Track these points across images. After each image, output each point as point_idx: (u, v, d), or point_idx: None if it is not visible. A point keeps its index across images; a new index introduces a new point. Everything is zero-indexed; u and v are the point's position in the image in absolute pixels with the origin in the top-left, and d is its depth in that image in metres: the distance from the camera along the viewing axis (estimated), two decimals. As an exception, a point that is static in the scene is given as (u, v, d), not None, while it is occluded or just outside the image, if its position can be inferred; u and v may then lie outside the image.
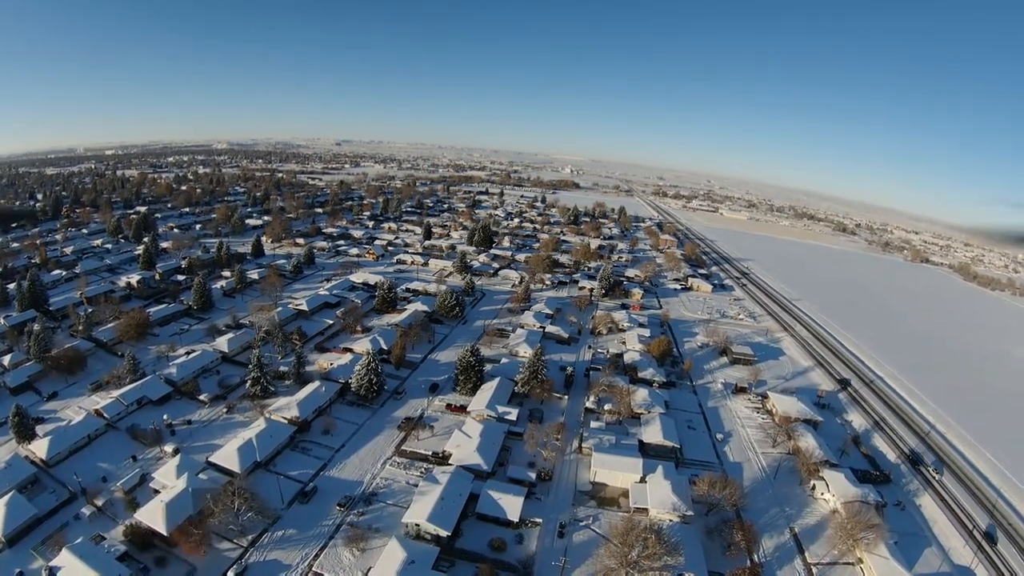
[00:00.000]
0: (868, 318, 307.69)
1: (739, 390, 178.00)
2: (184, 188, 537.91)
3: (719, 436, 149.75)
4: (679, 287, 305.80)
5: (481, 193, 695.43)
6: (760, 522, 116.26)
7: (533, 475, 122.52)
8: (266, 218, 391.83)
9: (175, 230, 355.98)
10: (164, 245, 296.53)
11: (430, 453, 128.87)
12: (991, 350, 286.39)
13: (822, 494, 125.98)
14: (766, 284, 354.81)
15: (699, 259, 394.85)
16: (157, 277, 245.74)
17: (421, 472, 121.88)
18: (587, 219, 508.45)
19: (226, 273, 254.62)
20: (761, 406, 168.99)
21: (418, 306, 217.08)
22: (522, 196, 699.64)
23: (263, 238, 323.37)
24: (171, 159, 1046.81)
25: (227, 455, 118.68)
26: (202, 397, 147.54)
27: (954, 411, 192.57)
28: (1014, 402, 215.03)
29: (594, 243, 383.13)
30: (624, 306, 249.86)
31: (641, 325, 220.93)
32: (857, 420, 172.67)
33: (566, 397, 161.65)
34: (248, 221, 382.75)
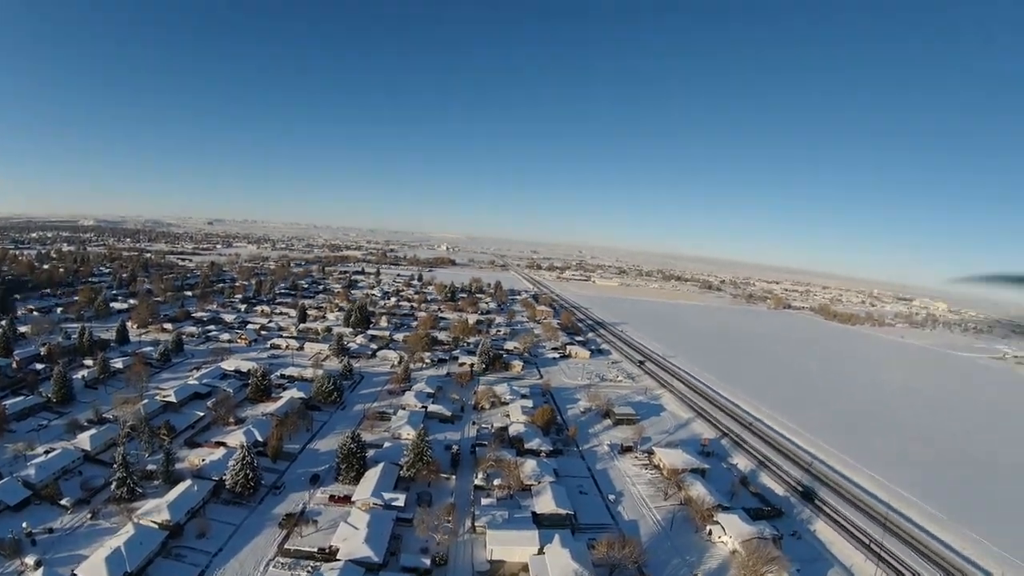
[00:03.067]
0: (740, 365, 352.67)
1: (625, 449, 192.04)
2: (46, 267, 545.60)
3: (611, 497, 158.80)
4: (558, 355, 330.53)
5: (357, 273, 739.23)
6: (664, 575, 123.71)
7: (427, 561, 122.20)
8: (132, 301, 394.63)
9: (35, 313, 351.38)
10: (22, 329, 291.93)
11: (316, 550, 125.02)
12: (861, 379, 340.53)
13: (719, 537, 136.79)
14: (642, 345, 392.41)
15: (575, 327, 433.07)
16: (14, 366, 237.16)
17: (308, 571, 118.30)
18: (464, 295, 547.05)
19: (88, 362, 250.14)
20: (648, 462, 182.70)
21: (294, 393, 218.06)
22: (399, 275, 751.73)
23: (128, 323, 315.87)
24: (34, 235, 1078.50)
25: (94, 567, 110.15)
26: (64, 501, 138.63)
27: (830, 438, 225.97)
28: (884, 423, 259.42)
29: (472, 318, 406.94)
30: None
31: (524, 396, 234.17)
32: (742, 462, 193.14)
33: (454, 476, 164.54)
34: (113, 304, 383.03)
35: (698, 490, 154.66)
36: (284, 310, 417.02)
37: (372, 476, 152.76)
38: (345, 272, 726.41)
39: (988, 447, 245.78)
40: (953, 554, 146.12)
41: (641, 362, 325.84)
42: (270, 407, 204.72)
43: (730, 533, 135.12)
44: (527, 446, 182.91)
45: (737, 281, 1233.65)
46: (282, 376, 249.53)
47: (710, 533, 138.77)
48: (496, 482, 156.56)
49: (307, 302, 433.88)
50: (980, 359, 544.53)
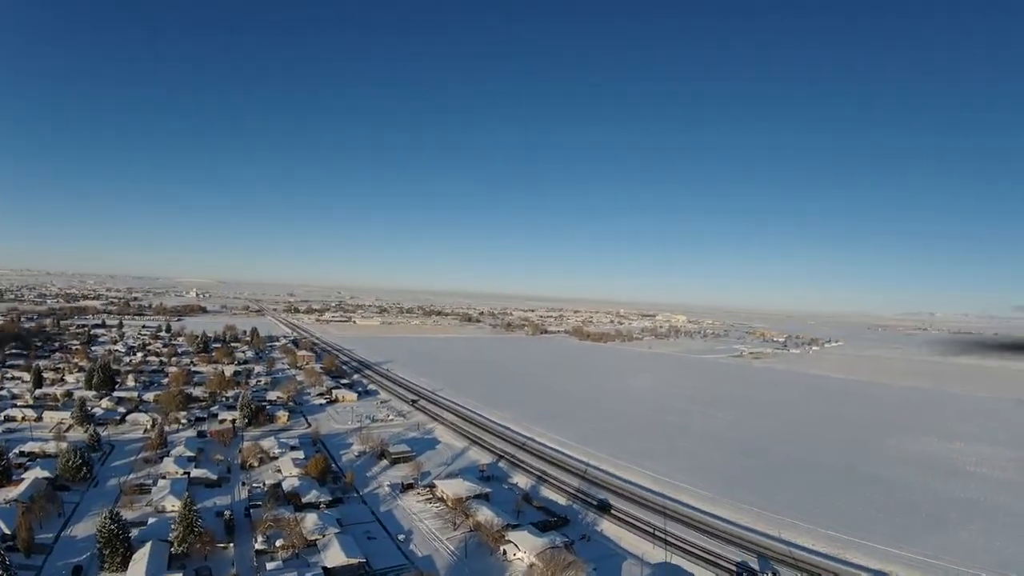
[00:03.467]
0: (505, 390, 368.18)
1: (407, 487, 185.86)
2: None
3: (401, 537, 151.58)
4: (325, 401, 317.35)
5: (97, 326, 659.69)
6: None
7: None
8: None
9: None
10: None
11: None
12: (615, 389, 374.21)
13: (515, 555, 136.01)
14: (408, 381, 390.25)
15: (340, 370, 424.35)
16: None
17: None
18: (218, 344, 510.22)
19: None
20: (432, 496, 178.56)
21: (38, 472, 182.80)
22: (144, 326, 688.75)
23: None
24: None
25: None
26: None
27: (598, 445, 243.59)
28: (644, 424, 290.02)
29: (229, 370, 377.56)
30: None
31: (293, 448, 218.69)
32: (522, 480, 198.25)
33: (232, 545, 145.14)
34: None
35: (485, 514, 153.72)
36: (16, 374, 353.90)
37: (141, 559, 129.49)
38: (84, 326, 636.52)
39: (736, 430, 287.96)
40: (730, 525, 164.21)
41: (414, 401, 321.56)
42: (12, 492, 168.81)
43: (524, 549, 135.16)
44: (305, 500, 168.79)
45: (495, 312, 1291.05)
46: (22, 453, 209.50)
47: (504, 553, 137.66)
48: (278, 543, 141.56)
49: (42, 363, 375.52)
50: (721, 359, 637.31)
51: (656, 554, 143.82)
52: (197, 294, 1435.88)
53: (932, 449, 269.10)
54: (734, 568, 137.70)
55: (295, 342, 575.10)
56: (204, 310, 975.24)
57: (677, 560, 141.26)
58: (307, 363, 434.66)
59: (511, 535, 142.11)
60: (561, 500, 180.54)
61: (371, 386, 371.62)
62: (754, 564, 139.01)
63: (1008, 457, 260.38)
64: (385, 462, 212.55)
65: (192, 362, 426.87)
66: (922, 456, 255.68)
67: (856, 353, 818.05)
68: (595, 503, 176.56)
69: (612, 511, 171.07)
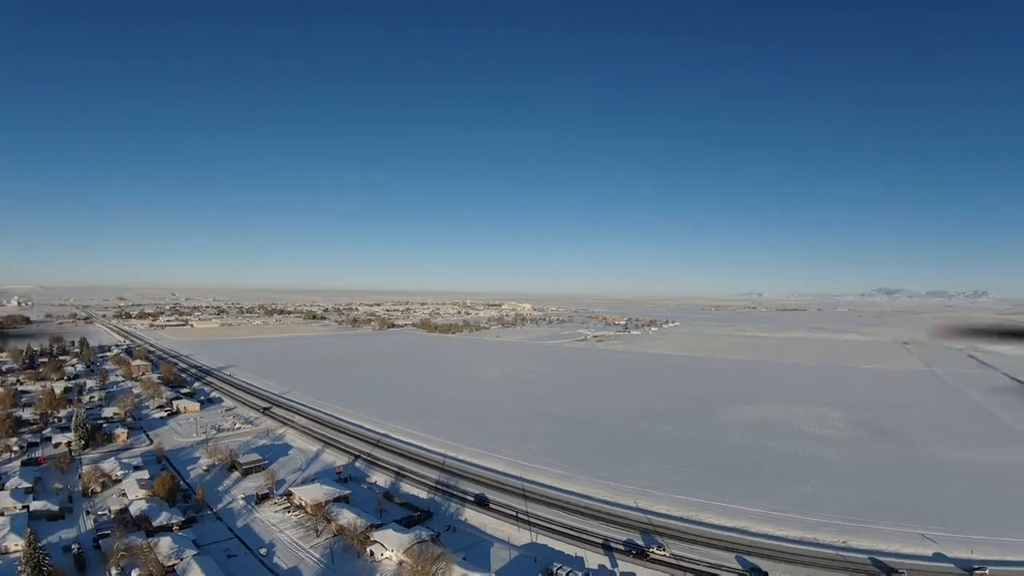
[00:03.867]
0: (356, 388, 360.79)
1: (262, 498, 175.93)
2: None
3: (263, 551, 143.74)
4: (166, 414, 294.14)
5: None
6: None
7: None
8: None
9: None
10: None
11: None
12: (464, 378, 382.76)
13: (383, 554, 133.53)
14: (254, 386, 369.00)
15: (179, 379, 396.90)
16: None
17: None
18: (45, 359, 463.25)
19: None
20: (290, 504, 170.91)
21: None
22: None
23: None
24: None
25: None
26: None
27: (453, 435, 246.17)
28: (496, 412, 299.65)
29: (59, 387, 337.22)
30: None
31: (138, 468, 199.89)
32: (381, 478, 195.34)
33: None
34: None
35: (347, 517, 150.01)
36: None
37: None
38: None
39: (586, 410, 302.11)
40: (588, 500, 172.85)
41: (266, 409, 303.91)
42: None
43: (391, 547, 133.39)
44: (156, 523, 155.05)
45: (340, 308, 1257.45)
46: None
47: (372, 554, 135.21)
48: (134, 573, 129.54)
49: None
50: (566, 343, 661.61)
51: (522, 536, 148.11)
52: (19, 303, 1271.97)
53: (770, 415, 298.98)
54: (599, 541, 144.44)
55: (129, 351, 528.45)
56: (28, 320, 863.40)
57: (543, 540, 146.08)
58: (143, 373, 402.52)
59: (376, 535, 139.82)
60: (423, 494, 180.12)
61: (214, 394, 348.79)
62: (639, 541, 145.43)
63: (839, 417, 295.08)
64: (236, 474, 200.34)
65: (18, 380, 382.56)
66: (762, 422, 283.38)
67: (692, 332, 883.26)
68: (456, 493, 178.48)
69: (472, 499, 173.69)
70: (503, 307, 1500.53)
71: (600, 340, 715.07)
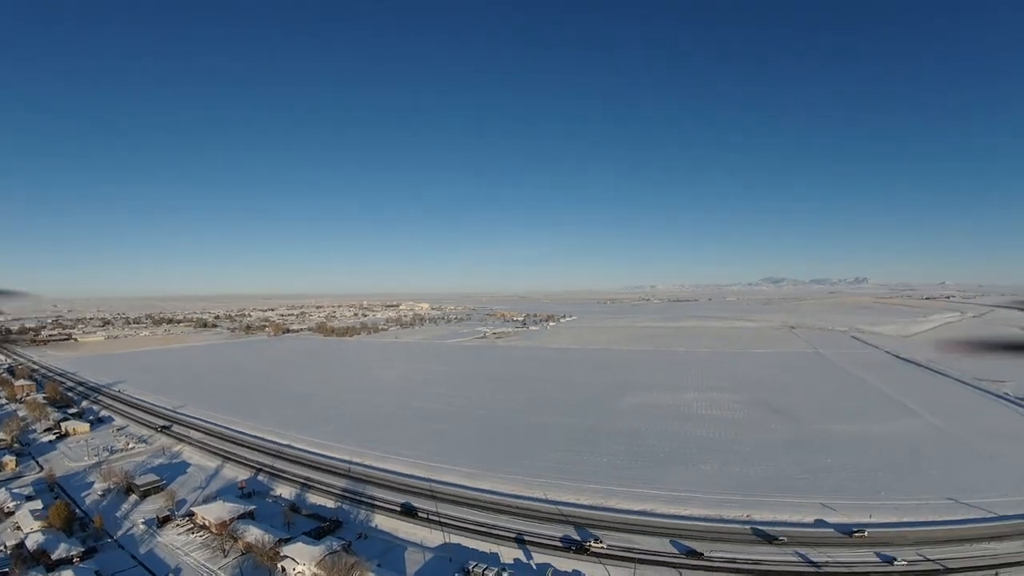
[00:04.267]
0: (252, 398, 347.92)
1: (164, 520, 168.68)
2: None
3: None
4: (54, 437, 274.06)
5: None
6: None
7: None
8: None
9: None
10: None
11: None
12: (363, 381, 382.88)
13: (295, 569, 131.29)
14: (146, 401, 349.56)
15: (67, 398, 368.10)
16: None
17: None
18: None
19: None
20: (193, 525, 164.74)
21: None
22: None
23: None
24: None
25: None
26: None
27: (358, 440, 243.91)
28: (397, 413, 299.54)
29: None
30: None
31: (30, 498, 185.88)
32: (286, 491, 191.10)
33: None
34: None
35: (254, 533, 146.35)
36: None
37: None
38: None
39: (488, 407, 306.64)
40: (497, 496, 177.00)
41: (163, 427, 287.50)
42: None
43: (302, 561, 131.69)
44: (55, 556, 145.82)
45: (233, 314, 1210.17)
46: None
47: (283, 570, 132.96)
48: None
49: None
50: (466, 342, 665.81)
51: (435, 537, 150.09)
52: None
53: (667, 401, 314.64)
54: (512, 536, 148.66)
55: (11, 370, 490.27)
56: None
57: (456, 539, 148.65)
58: (28, 394, 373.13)
59: (286, 550, 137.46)
60: (330, 503, 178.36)
61: (104, 412, 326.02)
62: (552, 532, 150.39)
63: (732, 399, 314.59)
64: (134, 497, 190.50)
65: None
66: (660, 408, 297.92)
67: (589, 325, 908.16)
68: (364, 500, 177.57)
69: (381, 504, 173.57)
70: (401, 308, 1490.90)
71: (499, 337, 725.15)
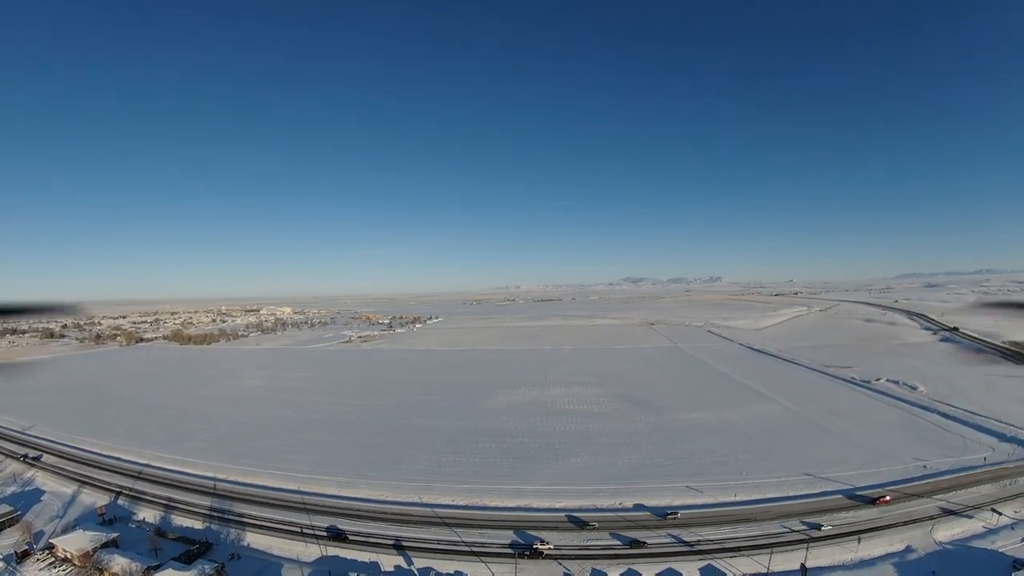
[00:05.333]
0: (107, 414, 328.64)
1: (23, 556, 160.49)
2: None
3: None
4: None
5: None
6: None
7: None
8: None
9: None
10: None
11: None
12: (224, 392, 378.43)
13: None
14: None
15: None
16: None
17: None
18: None
19: None
20: (54, 558, 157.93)
21: None
22: None
23: None
24: None
25: None
26: None
27: (218, 457, 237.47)
28: (261, 424, 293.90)
29: None
30: None
31: None
32: (149, 514, 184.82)
33: None
34: None
35: (120, 563, 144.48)
36: None
37: None
38: None
39: (357, 413, 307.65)
40: (368, 503, 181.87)
41: (33, 457, 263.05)
42: None
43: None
44: None
45: (81, 323, 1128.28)
46: None
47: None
48: None
49: None
50: (331, 346, 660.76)
51: (311, 551, 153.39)
52: None
53: (536, 398, 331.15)
54: (391, 543, 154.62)
55: None
56: None
57: (333, 551, 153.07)
58: None
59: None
60: (198, 524, 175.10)
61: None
62: (431, 536, 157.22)
63: (598, 394, 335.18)
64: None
65: None
66: (529, 405, 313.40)
67: (456, 326, 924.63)
68: (233, 519, 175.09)
69: (252, 522, 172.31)
70: (262, 312, 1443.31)
71: (365, 340, 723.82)
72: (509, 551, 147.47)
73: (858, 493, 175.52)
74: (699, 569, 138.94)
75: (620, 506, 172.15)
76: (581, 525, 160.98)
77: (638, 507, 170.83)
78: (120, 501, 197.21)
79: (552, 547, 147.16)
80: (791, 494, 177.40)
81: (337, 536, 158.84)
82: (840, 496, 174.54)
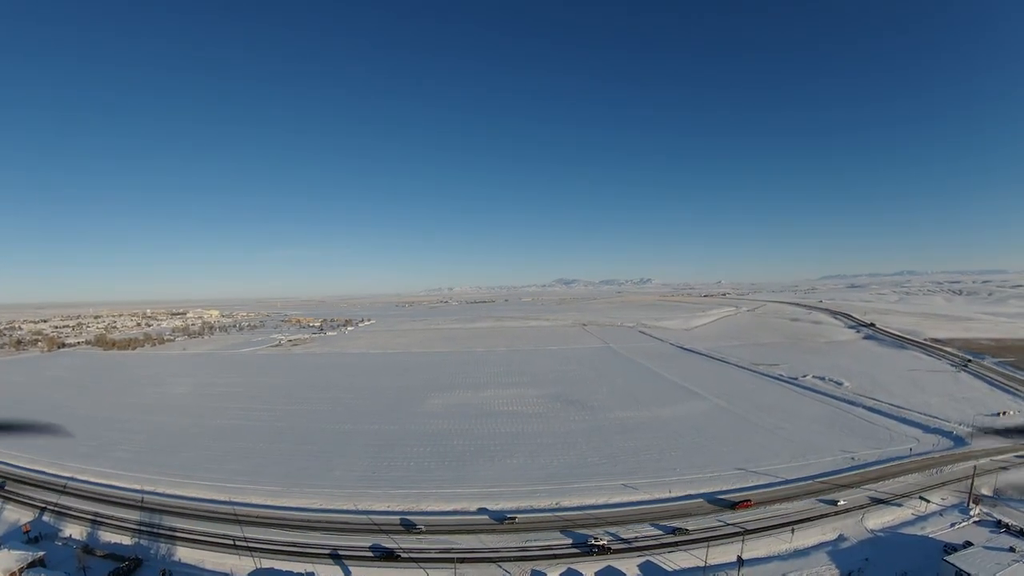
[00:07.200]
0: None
1: None
2: None
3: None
4: None
5: None
6: None
7: None
8: None
9: None
10: None
11: None
12: (150, 399, 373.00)
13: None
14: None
15: None
16: None
17: None
18: None
19: None
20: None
21: None
22: None
23: None
24: None
25: None
26: None
27: (147, 467, 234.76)
28: (189, 434, 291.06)
29: None
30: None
31: None
32: (76, 530, 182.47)
33: None
34: None
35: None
36: None
37: None
38: None
39: (286, 419, 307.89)
40: (305, 512, 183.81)
41: None
42: None
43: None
44: None
45: (1, 328, 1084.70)
46: None
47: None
48: None
49: None
50: (260, 350, 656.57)
51: (245, 564, 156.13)
52: None
53: (471, 400, 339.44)
54: (327, 552, 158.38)
55: None
56: None
57: (268, 563, 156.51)
58: None
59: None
60: (127, 540, 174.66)
61: None
62: (365, 543, 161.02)
63: (532, 394, 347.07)
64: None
65: None
66: (464, 407, 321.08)
67: (388, 329, 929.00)
68: (164, 533, 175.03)
69: (183, 536, 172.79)
70: (188, 316, 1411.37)
71: (296, 344, 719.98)
72: (448, 556, 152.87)
73: (790, 486, 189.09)
74: (638, 565, 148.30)
75: (557, 506, 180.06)
76: (509, 526, 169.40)
77: (580, 508, 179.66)
78: (45, 517, 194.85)
79: (491, 549, 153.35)
80: (723, 488, 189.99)
81: (271, 548, 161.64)
82: (773, 489, 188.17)
